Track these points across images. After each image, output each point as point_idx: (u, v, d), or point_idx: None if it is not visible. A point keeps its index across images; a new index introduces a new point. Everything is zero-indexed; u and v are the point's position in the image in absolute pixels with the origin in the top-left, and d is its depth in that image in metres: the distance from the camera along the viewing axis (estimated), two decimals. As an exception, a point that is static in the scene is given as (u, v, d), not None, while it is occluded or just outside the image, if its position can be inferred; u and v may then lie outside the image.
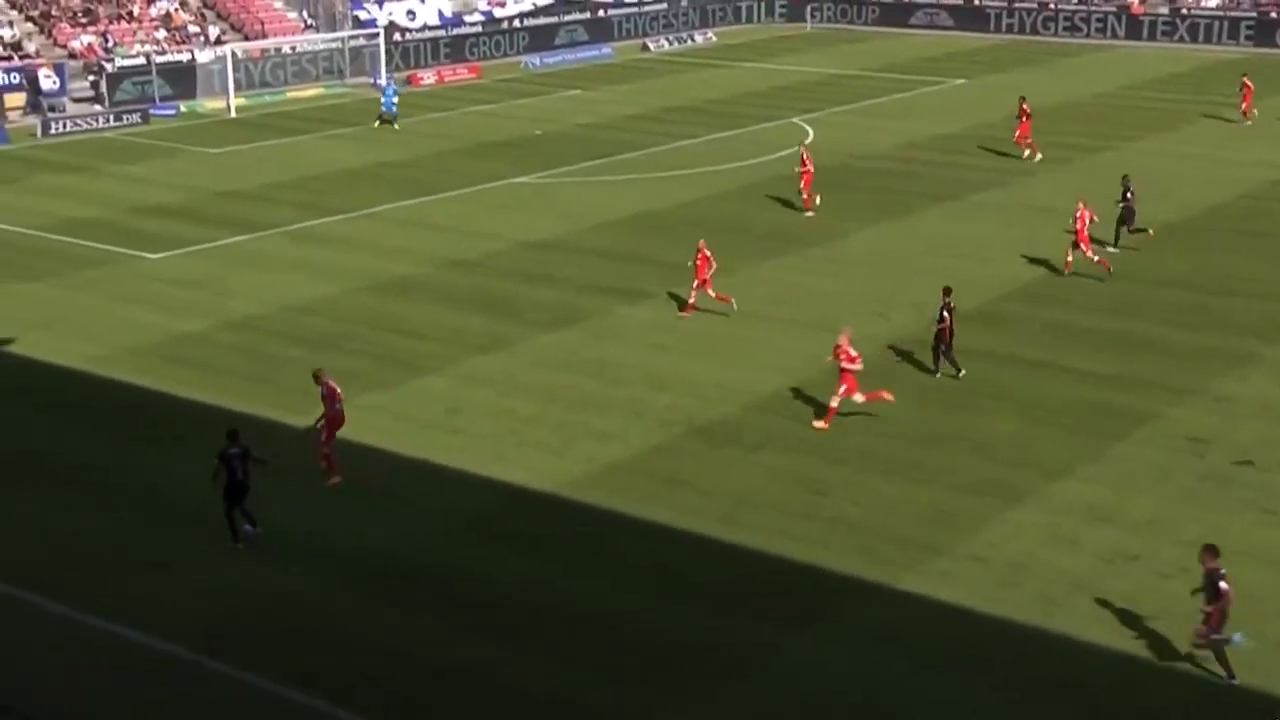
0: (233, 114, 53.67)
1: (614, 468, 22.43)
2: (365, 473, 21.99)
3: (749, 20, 79.77)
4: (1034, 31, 73.53)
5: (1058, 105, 53.47)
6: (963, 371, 25.88)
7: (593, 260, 33.76)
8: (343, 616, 18.09)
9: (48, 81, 51.70)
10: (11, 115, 50.67)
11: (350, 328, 28.81)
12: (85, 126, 50.18)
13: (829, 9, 79.46)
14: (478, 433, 23.74)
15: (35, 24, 56.08)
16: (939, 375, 25.88)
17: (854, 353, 23.88)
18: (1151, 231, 33.74)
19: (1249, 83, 50.00)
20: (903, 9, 77.62)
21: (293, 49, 59.60)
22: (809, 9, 79.39)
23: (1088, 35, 72.16)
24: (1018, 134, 44.31)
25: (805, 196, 37.61)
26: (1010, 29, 74.13)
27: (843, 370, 23.80)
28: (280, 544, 19.81)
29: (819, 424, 23.96)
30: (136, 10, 58.34)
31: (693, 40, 73.59)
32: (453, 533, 20.33)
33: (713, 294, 29.32)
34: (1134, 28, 71.32)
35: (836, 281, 32.05)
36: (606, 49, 69.53)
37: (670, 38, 73.01)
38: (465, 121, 52.48)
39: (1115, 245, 33.58)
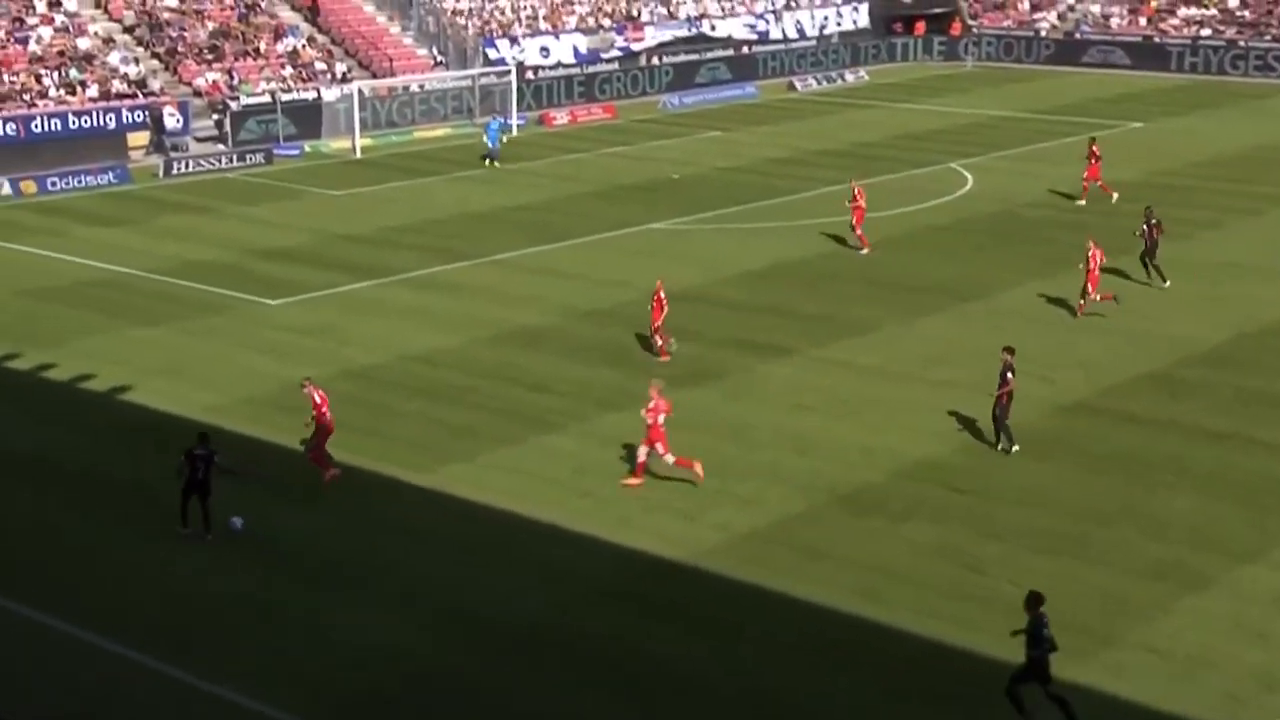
0: (358, 154, 55.28)
1: (750, 536, 22.42)
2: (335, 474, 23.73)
3: (904, 58, 79.72)
4: (1220, 71, 72.08)
5: (1246, 151, 52.28)
6: (1015, 446, 25.23)
7: (730, 313, 33.88)
8: (466, 681, 18.34)
9: (171, 120, 53.88)
10: (135, 155, 52.89)
11: (472, 380, 29.32)
12: (208, 166, 52.14)
13: (991, 46, 78.99)
14: (606, 495, 23.93)
15: (160, 60, 58.57)
16: (1000, 449, 25.29)
17: (660, 404, 23.63)
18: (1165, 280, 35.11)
19: None
20: (1074, 46, 76.80)
21: (421, 87, 61.22)
22: (969, 46, 79.02)
23: (1281, 75, 70.54)
24: (1086, 176, 44.51)
25: (860, 234, 38.75)
26: (1194, 68, 72.77)
27: (648, 425, 23.62)
28: (407, 603, 20.15)
29: (631, 480, 23.89)
30: (263, 46, 60.57)
31: (843, 79, 73.70)
32: (579, 600, 20.49)
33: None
34: (1333, 66, 69.53)
35: (995, 339, 31.51)
36: (750, 88, 70.03)
37: (819, 76, 73.22)
38: (599, 164, 53.25)
39: (1149, 277, 35.10)
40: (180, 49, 58.99)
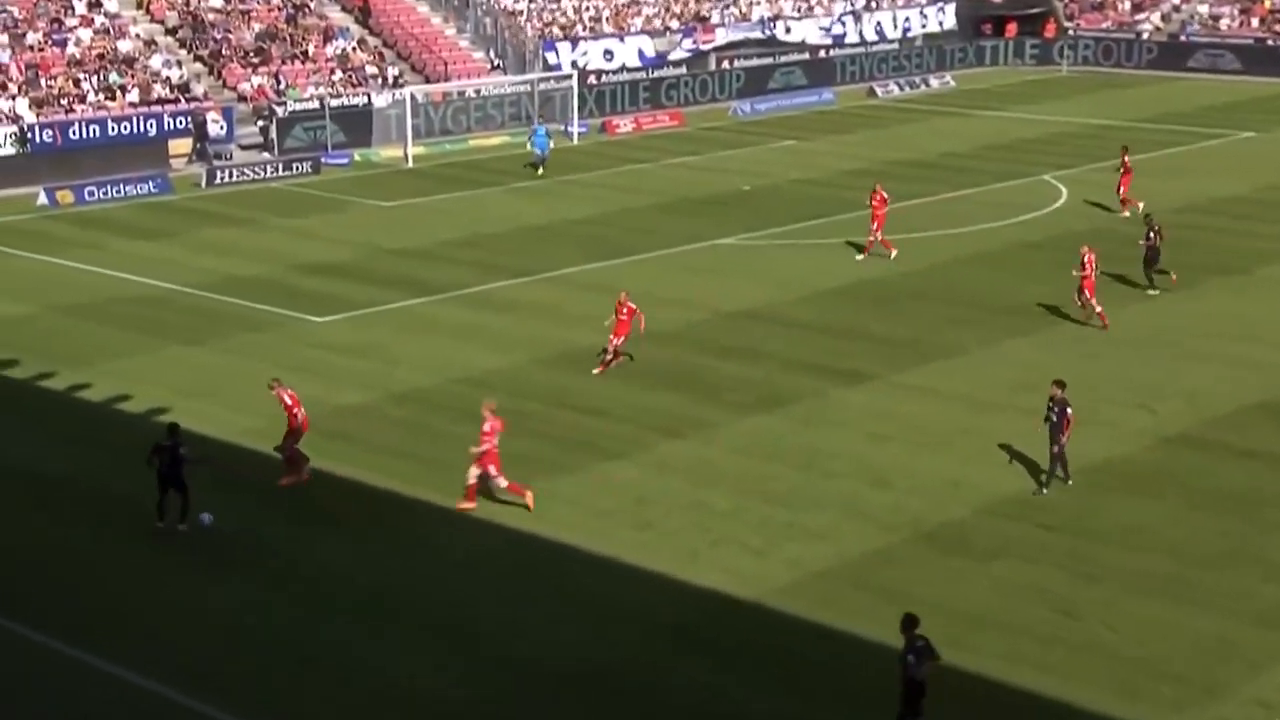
0: (410, 164, 55.64)
1: (824, 575, 22.16)
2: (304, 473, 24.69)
3: (993, 62, 79.21)
4: (1343, 75, 71.04)
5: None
6: (1070, 481, 24.73)
7: (803, 334, 33.65)
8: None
9: (215, 127, 54.50)
10: (176, 163, 53.52)
11: (527, 404, 29.28)
12: (252, 176, 52.68)
13: (1088, 49, 78.30)
14: (668, 528, 23.77)
15: (204, 64, 59.30)
16: (1045, 491, 24.70)
17: (495, 424, 23.91)
18: (1174, 276, 36.08)
19: None
20: (1179, 49, 75.98)
21: (477, 93, 61.59)
22: (1064, 49, 78.34)
23: (1406, 79, 69.35)
24: (1119, 186, 44.89)
25: (882, 239, 39.38)
26: (1313, 72, 71.75)
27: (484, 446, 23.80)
28: (449, 642, 20.07)
29: (464, 504, 23.93)
30: (311, 49, 61.18)
31: (927, 85, 73.35)
32: (637, 642, 20.30)
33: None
34: None
35: (1093, 366, 31.20)
36: (827, 94, 69.86)
37: (901, 82, 72.94)
38: (664, 174, 53.24)
39: (1152, 286, 36.16)
40: (225, 52, 59.72)
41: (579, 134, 60.30)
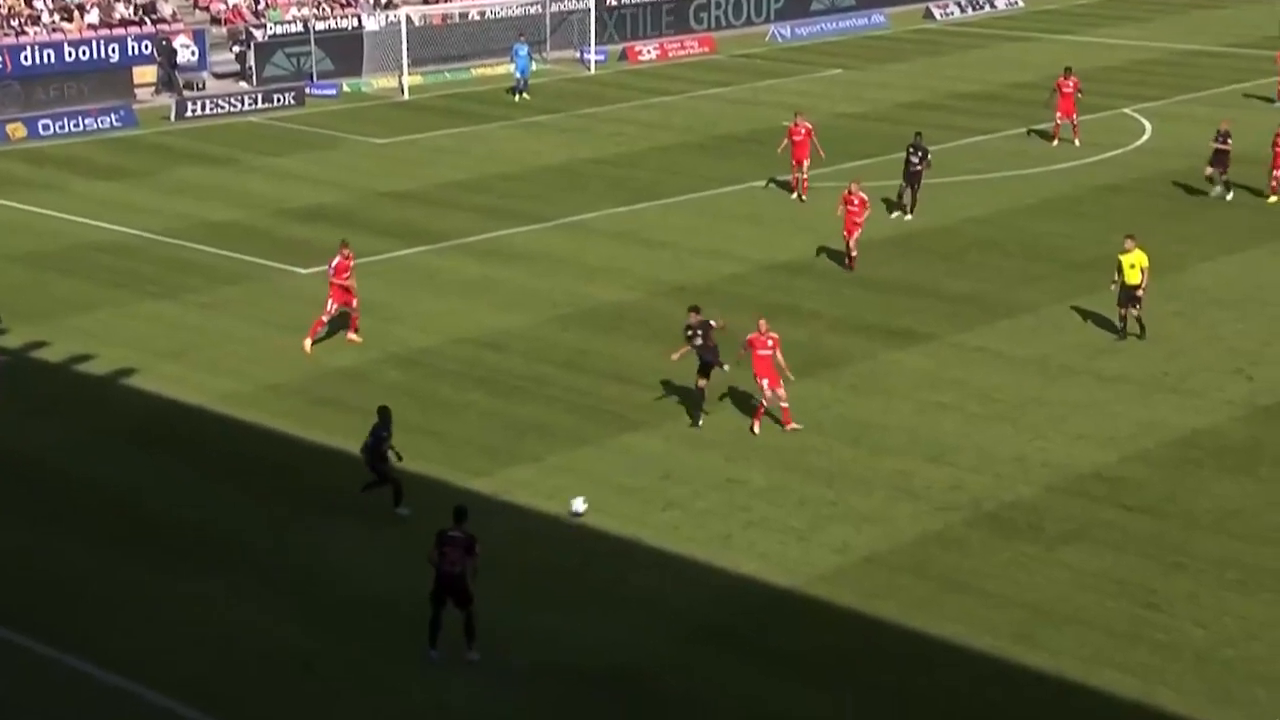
0: (405, 95, 55.58)
1: (874, 561, 22.25)
2: None
3: (1067, -21, 78.65)
4: None
5: None
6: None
7: (852, 290, 33.64)
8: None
9: (185, 52, 54.50)
10: (141, 93, 53.55)
11: (543, 368, 29.37)
12: (228, 109, 52.71)
13: (1176, -35, 77.64)
14: (699, 508, 23.87)
15: (174, -17, 59.23)
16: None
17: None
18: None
19: None
20: (1277, -35, 75.24)
21: (482, 15, 61.44)
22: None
23: None
24: (1059, 110, 45.78)
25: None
26: None
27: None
28: (455, 649, 20.17)
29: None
30: (294, -34, 61.08)
31: (992, 5, 72.96)
32: (665, 639, 20.42)
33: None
34: None
35: (1182, 326, 31.16)
36: (879, 17, 69.53)
37: (962, 2, 72.53)
38: (694, 108, 53.11)
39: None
40: (197, -32, 59.64)
41: (597, 62, 60.14)
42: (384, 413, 23.74)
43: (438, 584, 19.62)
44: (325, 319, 30.43)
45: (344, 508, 23.88)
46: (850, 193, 34.44)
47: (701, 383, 26.53)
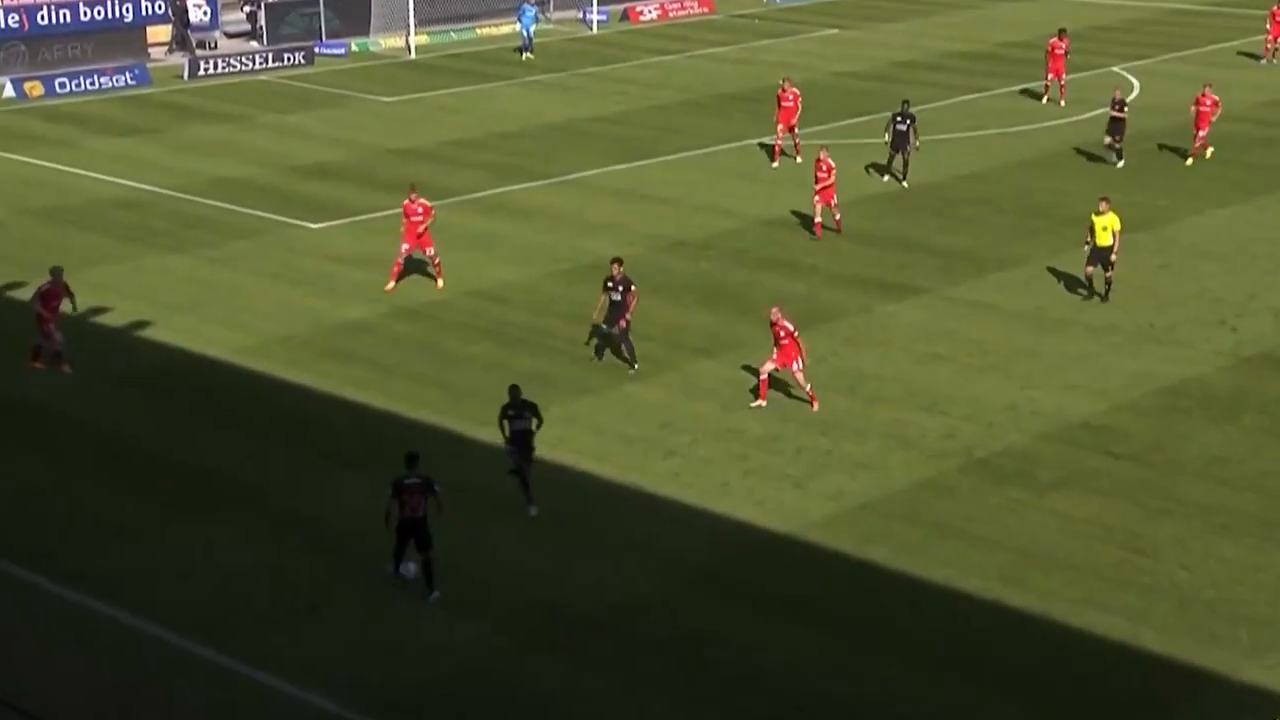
0: (412, 54, 55.38)
1: (868, 507, 22.25)
2: None
3: (1060, -59, 78.12)
4: None
5: None
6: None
7: (848, 244, 33.57)
8: (531, 681, 18.40)
9: (197, 12, 54.30)
10: (155, 52, 53.37)
11: (546, 321, 29.33)
12: (240, 67, 52.51)
13: (1166, -74, 77.14)
14: (698, 456, 23.87)
15: (186, -56, 58.89)
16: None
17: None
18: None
19: None
20: (1266, -74, 74.75)
21: (486, -25, 61.11)
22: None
23: None
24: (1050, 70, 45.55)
25: (779, 140, 39.77)
26: None
27: None
28: (465, 590, 20.24)
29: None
30: (303, -72, 60.70)
31: (985, -34, 72.48)
32: (665, 583, 20.45)
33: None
34: None
35: (1169, 279, 31.12)
36: (874, -23, 69.12)
37: (956, -37, 72.06)
38: (694, 67, 52.91)
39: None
40: (208, -70, 59.28)
41: (598, 22, 59.87)
42: (520, 396, 22.22)
43: (401, 528, 19.71)
44: (400, 260, 30.94)
45: (350, 455, 23.89)
46: (819, 160, 33.54)
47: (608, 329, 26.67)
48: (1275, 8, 50.29)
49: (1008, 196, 36.96)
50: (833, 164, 33.61)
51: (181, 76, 51.32)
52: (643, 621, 19.59)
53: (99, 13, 52.33)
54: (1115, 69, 50.61)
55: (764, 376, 25.32)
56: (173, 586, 20.39)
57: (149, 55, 53.00)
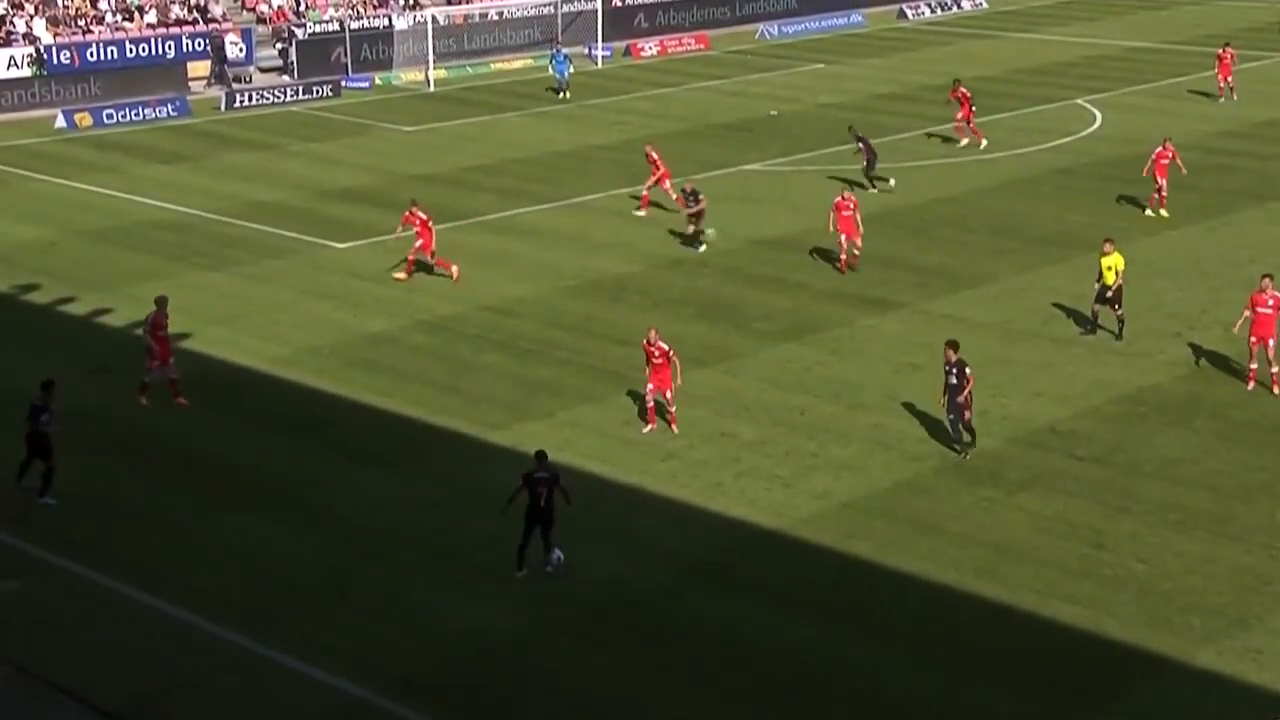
0: (431, 87, 55.37)
1: (851, 506, 22.23)
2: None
3: (1027, -17, 78.15)
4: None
5: None
6: (966, 455, 23.50)
7: (832, 262, 33.54)
8: (543, 663, 18.39)
9: (234, 49, 54.29)
10: (195, 86, 53.39)
11: (553, 333, 29.31)
12: (272, 100, 52.50)
13: (1125, -31, 77.18)
14: (694, 458, 23.84)
15: (223, -14, 58.95)
16: (966, 457, 23.45)
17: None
18: (892, 181, 38.38)
19: None
20: (1216, -30, 74.77)
21: (500, 14, 61.15)
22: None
23: None
24: (958, 118, 43.83)
25: (645, 197, 37.53)
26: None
27: None
28: (478, 575, 20.22)
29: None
30: (331, -29, 60.74)
31: (959, 6, 72.55)
32: (663, 575, 20.44)
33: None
34: None
35: (1128, 295, 30.99)
36: (857, 16, 69.16)
37: (933, 3, 72.12)
38: (690, 99, 52.89)
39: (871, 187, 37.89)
40: (243, -27, 59.33)
41: (603, 58, 59.86)
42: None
43: (529, 514, 19.90)
44: (413, 257, 32.34)
45: (373, 454, 23.89)
46: (844, 198, 32.50)
47: None
48: (1221, 50, 50.26)
49: (979, 218, 36.92)
50: (856, 200, 32.61)
51: (219, 108, 51.33)
52: (644, 608, 19.60)
53: (143, 49, 52.45)
54: (1078, 101, 50.59)
55: (650, 404, 24.46)
56: (208, 575, 20.39)
57: (189, 88, 53.04)
